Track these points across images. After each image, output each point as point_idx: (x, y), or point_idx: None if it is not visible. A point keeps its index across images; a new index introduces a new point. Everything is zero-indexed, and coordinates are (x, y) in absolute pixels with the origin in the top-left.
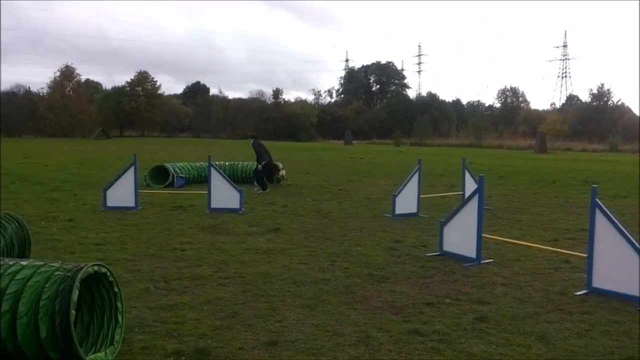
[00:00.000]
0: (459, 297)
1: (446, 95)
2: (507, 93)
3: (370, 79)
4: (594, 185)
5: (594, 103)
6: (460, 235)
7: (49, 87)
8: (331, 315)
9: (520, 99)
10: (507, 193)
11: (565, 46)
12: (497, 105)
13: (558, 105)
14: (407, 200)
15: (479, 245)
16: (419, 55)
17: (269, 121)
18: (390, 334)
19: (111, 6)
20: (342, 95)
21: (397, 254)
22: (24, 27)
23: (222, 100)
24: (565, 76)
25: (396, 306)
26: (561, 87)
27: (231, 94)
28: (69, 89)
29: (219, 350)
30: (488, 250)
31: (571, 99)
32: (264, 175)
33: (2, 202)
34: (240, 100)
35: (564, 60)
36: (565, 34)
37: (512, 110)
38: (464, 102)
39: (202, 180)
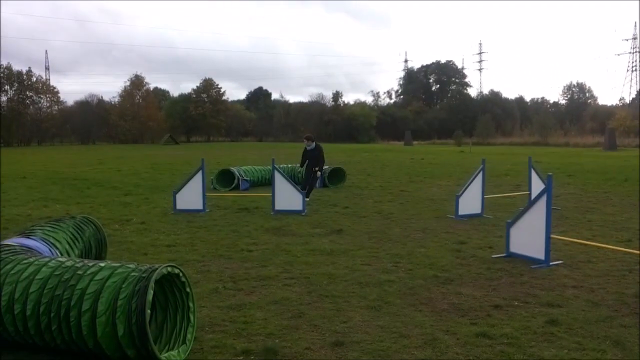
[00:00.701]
0: (527, 299)
1: (509, 92)
2: (574, 89)
3: (430, 79)
4: None
5: None
6: (528, 236)
7: (120, 96)
8: (396, 317)
9: (587, 94)
10: (575, 192)
11: (635, 39)
12: (563, 101)
13: (628, 100)
14: (470, 201)
15: (547, 246)
16: (480, 53)
17: (329, 124)
18: (457, 337)
19: (177, 17)
20: (402, 96)
21: (462, 255)
22: (96, 40)
23: (284, 105)
24: (635, 70)
25: (462, 308)
26: (631, 81)
27: (292, 98)
28: (138, 97)
29: (287, 350)
30: (557, 251)
31: None
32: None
33: (79, 206)
34: (300, 103)
35: (633, 53)
36: (635, 26)
37: (578, 107)
38: (528, 99)
39: (266, 182)
